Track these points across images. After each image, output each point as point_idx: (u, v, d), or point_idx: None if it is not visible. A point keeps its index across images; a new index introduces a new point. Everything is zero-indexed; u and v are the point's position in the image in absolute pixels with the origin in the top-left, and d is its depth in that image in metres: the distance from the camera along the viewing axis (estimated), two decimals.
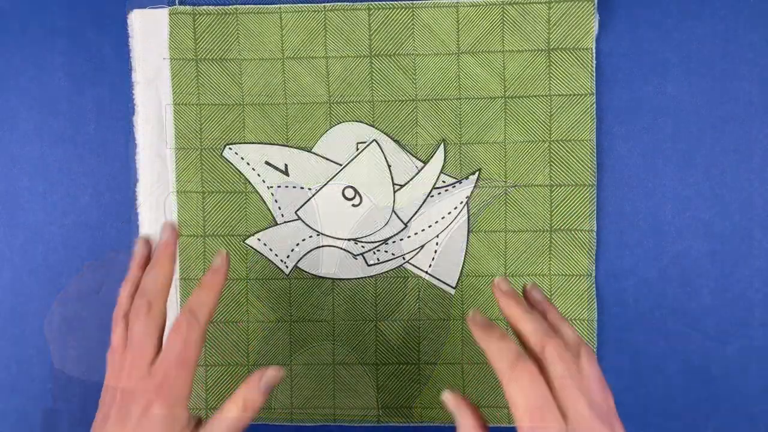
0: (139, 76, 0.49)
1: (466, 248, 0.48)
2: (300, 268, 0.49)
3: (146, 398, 0.36)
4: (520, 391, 0.33)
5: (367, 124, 0.48)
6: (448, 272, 0.49)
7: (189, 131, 0.49)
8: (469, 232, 0.48)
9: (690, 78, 0.48)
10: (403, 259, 0.48)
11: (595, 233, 0.48)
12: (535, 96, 0.48)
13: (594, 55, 0.47)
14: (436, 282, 0.49)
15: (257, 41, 0.49)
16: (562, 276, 0.48)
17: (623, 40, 0.48)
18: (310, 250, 0.48)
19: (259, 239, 0.49)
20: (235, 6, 0.49)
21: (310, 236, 0.48)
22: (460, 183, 0.48)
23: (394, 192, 0.48)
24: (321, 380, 0.49)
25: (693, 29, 0.48)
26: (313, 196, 0.46)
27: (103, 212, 0.50)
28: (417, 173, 0.48)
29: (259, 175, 0.48)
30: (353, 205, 0.45)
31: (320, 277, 0.49)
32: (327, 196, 0.45)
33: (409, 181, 0.48)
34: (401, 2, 0.48)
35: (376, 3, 0.48)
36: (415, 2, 0.48)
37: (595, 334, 0.48)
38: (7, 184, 0.50)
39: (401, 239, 0.48)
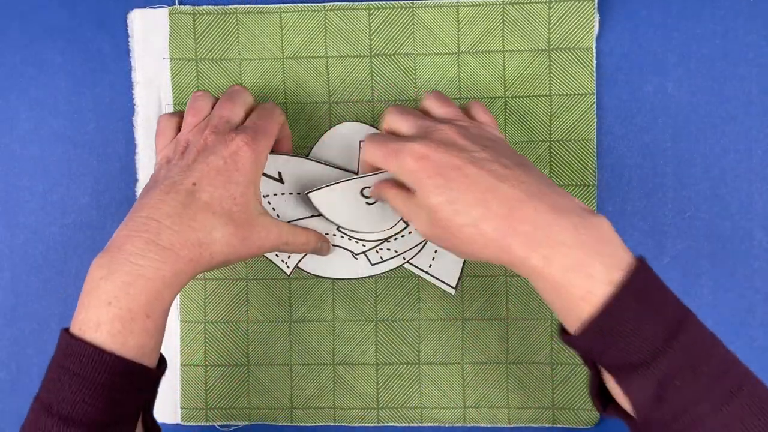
0: (139, 76, 0.49)
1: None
2: (300, 268, 0.49)
3: (235, 143, 0.39)
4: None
5: (367, 124, 0.48)
6: (448, 272, 0.49)
7: None
8: None
9: (690, 78, 0.48)
10: (404, 258, 0.48)
11: None
12: (535, 96, 0.48)
13: (594, 55, 0.47)
14: (436, 282, 0.49)
15: (257, 41, 0.49)
16: None
17: (623, 40, 0.48)
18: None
19: None
20: (235, 6, 0.49)
21: None
22: None
23: None
24: (321, 380, 0.49)
25: (693, 29, 0.48)
26: (324, 188, 0.45)
27: (103, 212, 0.50)
28: None
29: None
30: (367, 203, 0.45)
31: (320, 276, 0.49)
32: (343, 194, 0.45)
33: None
34: (401, 2, 0.48)
35: (376, 3, 0.48)
36: (415, 2, 0.48)
37: None
38: (7, 184, 0.50)
39: (403, 236, 0.48)
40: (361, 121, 0.48)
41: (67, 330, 0.36)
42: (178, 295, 0.49)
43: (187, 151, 0.40)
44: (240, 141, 0.39)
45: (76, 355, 0.34)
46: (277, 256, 0.49)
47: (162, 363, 0.39)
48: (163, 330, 0.37)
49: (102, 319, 0.34)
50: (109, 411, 0.34)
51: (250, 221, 0.39)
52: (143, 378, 0.36)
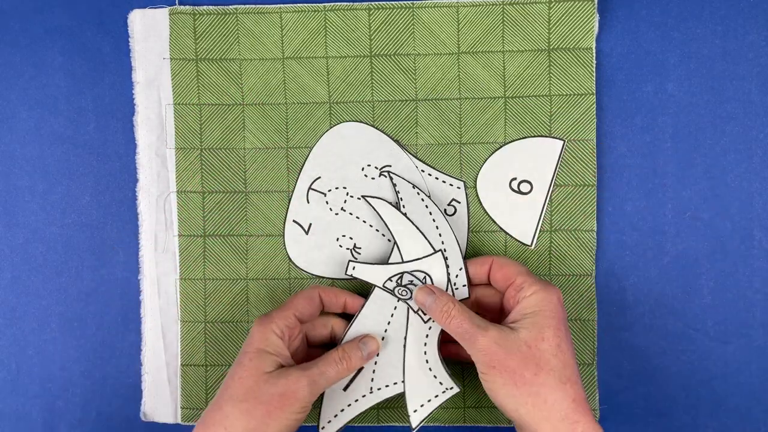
0: (139, 76, 0.49)
1: (466, 248, 0.48)
2: (300, 268, 0.49)
3: (251, 328, 0.43)
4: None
5: (367, 124, 0.48)
6: None
7: (189, 131, 0.49)
8: (469, 232, 0.48)
9: (690, 78, 0.48)
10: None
11: (595, 233, 0.48)
12: (535, 96, 0.48)
13: (594, 55, 0.47)
14: None
15: (257, 41, 0.49)
16: (562, 276, 0.48)
17: (623, 40, 0.48)
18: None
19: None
20: (235, 6, 0.49)
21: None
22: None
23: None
24: None
25: (693, 29, 0.48)
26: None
27: (103, 212, 0.50)
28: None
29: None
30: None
31: (319, 276, 0.49)
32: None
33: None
34: (401, 2, 0.48)
35: (376, 3, 0.48)
36: (415, 2, 0.48)
37: (595, 334, 0.48)
38: (7, 184, 0.50)
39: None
40: (361, 122, 0.48)
41: None
42: (178, 295, 0.49)
43: None
44: (255, 321, 0.43)
45: None
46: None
47: None
48: None
49: None
50: None
51: (261, 380, 0.40)
52: None
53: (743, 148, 0.48)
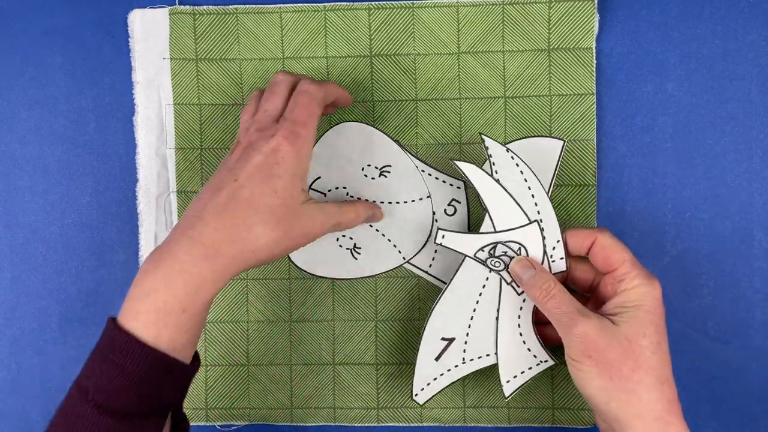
0: (139, 76, 0.49)
1: None
2: (300, 268, 0.49)
3: (275, 140, 0.38)
4: None
5: (368, 124, 0.48)
6: (448, 272, 0.49)
7: (189, 131, 0.49)
8: (469, 232, 0.48)
9: (690, 78, 0.48)
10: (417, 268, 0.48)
11: None
12: (535, 96, 0.48)
13: (594, 55, 0.47)
14: (436, 282, 0.49)
15: (257, 41, 0.49)
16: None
17: (623, 40, 0.48)
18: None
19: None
20: (235, 6, 0.49)
21: None
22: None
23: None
24: (321, 380, 0.49)
25: (693, 29, 0.48)
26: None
27: (103, 212, 0.50)
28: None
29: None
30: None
31: (320, 276, 0.49)
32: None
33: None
34: (401, 2, 0.48)
35: (376, 3, 0.48)
36: (415, 2, 0.48)
37: None
38: (7, 184, 0.50)
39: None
40: (361, 122, 0.48)
41: (112, 318, 0.37)
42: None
43: (235, 149, 0.40)
44: (280, 137, 0.39)
45: (114, 343, 0.35)
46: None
47: (196, 360, 0.39)
48: (200, 327, 0.38)
49: (140, 309, 0.35)
50: (141, 402, 0.35)
51: (294, 212, 0.39)
52: (175, 372, 0.36)
53: (743, 148, 0.48)
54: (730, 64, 0.48)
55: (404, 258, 0.48)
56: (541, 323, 0.44)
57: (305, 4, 0.48)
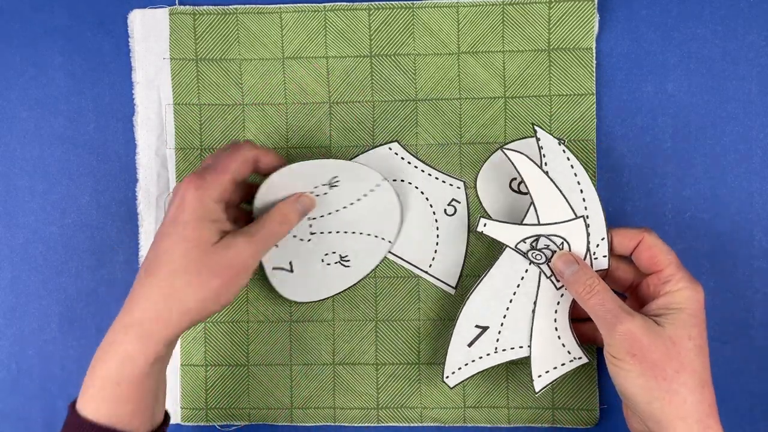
0: (139, 76, 0.49)
1: (466, 248, 0.48)
2: (296, 301, 0.49)
3: (182, 187, 0.39)
4: None
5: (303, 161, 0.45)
6: (448, 272, 0.49)
7: (189, 131, 0.49)
8: (469, 232, 0.48)
9: (690, 78, 0.48)
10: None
11: None
12: (535, 96, 0.48)
13: (594, 55, 0.47)
14: (436, 282, 0.49)
15: (257, 41, 0.49)
16: None
17: (623, 40, 0.48)
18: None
19: None
20: (235, 6, 0.49)
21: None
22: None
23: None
24: (321, 380, 0.49)
25: (693, 29, 0.48)
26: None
27: (103, 212, 0.50)
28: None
29: None
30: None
31: (321, 299, 0.49)
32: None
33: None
34: (401, 2, 0.48)
35: (376, 3, 0.48)
36: (415, 2, 0.48)
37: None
38: (7, 184, 0.50)
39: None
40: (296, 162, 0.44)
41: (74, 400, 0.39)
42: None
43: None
44: (185, 183, 0.39)
45: (66, 420, 0.38)
46: None
47: (165, 421, 0.41)
48: (148, 395, 0.38)
49: (87, 383, 0.38)
50: None
51: (211, 251, 0.38)
52: None
53: (743, 148, 0.48)
54: (730, 64, 0.48)
55: (389, 241, 0.48)
56: (576, 320, 0.44)
57: (305, 4, 0.48)
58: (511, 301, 0.44)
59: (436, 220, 0.48)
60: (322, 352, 0.49)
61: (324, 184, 0.45)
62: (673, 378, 0.38)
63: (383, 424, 0.49)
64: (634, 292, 0.44)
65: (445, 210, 0.48)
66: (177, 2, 0.49)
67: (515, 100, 0.48)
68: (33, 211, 0.50)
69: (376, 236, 0.48)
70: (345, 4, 0.48)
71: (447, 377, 0.45)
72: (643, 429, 0.40)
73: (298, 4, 0.48)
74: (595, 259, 0.43)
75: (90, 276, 0.50)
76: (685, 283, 0.40)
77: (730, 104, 0.48)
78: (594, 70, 0.47)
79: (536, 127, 0.43)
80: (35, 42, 0.50)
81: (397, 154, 0.48)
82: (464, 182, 0.48)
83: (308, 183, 0.45)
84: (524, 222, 0.43)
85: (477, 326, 0.45)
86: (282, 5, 0.48)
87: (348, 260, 0.48)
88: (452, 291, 0.49)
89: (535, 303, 0.44)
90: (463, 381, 0.45)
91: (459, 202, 0.48)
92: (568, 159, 0.43)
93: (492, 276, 0.44)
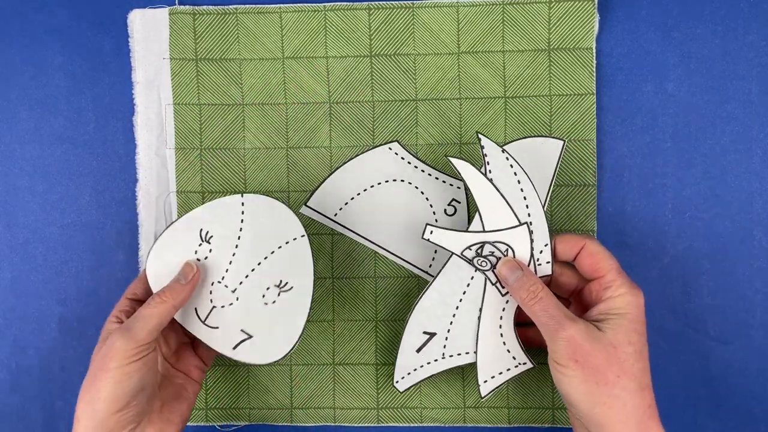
0: (139, 76, 0.49)
1: None
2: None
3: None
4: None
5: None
6: None
7: (189, 131, 0.49)
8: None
9: (690, 78, 0.48)
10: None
11: (595, 233, 0.48)
12: (535, 96, 0.48)
13: (594, 55, 0.47)
14: None
15: (257, 41, 0.49)
16: None
17: (623, 40, 0.48)
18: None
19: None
20: (235, 6, 0.49)
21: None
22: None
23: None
24: (321, 380, 0.49)
25: (693, 29, 0.48)
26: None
27: (103, 212, 0.50)
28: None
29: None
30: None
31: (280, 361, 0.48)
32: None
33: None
34: (401, 2, 0.48)
35: (376, 3, 0.48)
36: (415, 2, 0.48)
37: None
38: (7, 183, 0.50)
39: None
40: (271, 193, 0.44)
41: None
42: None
43: None
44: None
45: None
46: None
47: None
48: None
49: None
50: None
51: (92, 362, 0.40)
52: None
53: (743, 148, 0.48)
54: (730, 64, 0.48)
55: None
56: (520, 325, 0.45)
57: (305, 4, 0.48)
58: (457, 308, 0.45)
59: (436, 220, 0.48)
60: (322, 352, 0.49)
61: (200, 244, 0.43)
62: (614, 383, 0.38)
63: (383, 424, 0.49)
64: (577, 297, 0.44)
65: (445, 210, 0.48)
66: (177, 2, 0.49)
67: (515, 100, 0.48)
68: (33, 211, 0.50)
69: (287, 242, 0.44)
70: (345, 4, 0.48)
71: (397, 381, 0.45)
72: None
73: (298, 4, 0.48)
74: (539, 265, 0.43)
75: (90, 276, 0.50)
76: (625, 289, 0.40)
77: (730, 104, 0.48)
78: (594, 70, 0.47)
79: (480, 134, 0.43)
80: (35, 42, 0.50)
81: (397, 154, 0.48)
82: (464, 182, 0.48)
83: (187, 247, 0.43)
84: (469, 229, 0.44)
85: (425, 332, 0.45)
86: (282, 5, 0.48)
87: (285, 283, 0.43)
88: None
89: (480, 309, 0.44)
90: (413, 385, 0.45)
91: (459, 202, 0.48)
92: (512, 166, 0.43)
93: (439, 283, 0.45)
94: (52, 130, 0.50)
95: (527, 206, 0.43)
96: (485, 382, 0.44)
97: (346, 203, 0.49)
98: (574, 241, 0.42)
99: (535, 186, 0.43)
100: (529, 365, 0.44)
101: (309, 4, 0.48)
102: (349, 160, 0.49)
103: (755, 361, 0.48)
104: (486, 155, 0.43)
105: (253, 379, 0.50)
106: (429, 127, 0.48)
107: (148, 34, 0.49)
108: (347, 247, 0.49)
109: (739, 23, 0.48)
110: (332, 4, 0.48)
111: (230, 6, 0.49)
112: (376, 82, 0.49)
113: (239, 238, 0.43)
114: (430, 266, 0.49)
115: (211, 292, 0.43)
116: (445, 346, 0.45)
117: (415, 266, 0.49)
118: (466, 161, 0.43)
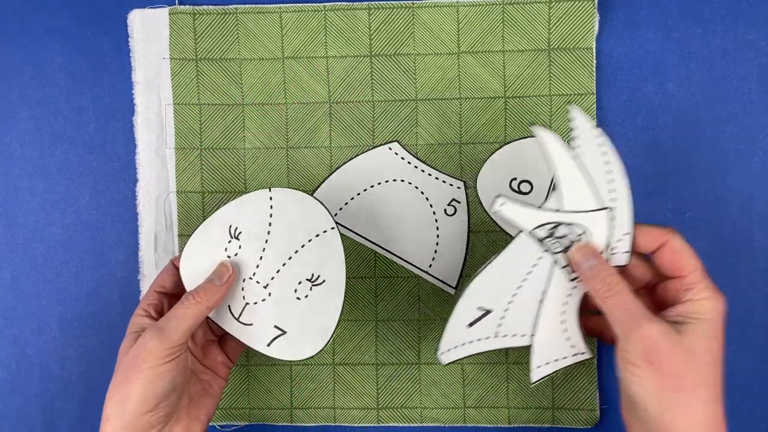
0: (139, 76, 0.49)
1: (466, 248, 0.48)
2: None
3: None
4: None
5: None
6: (448, 272, 0.49)
7: (189, 131, 0.49)
8: (469, 231, 0.48)
9: (690, 78, 0.48)
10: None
11: None
12: (535, 96, 0.48)
13: (594, 55, 0.47)
14: (436, 282, 0.49)
15: (257, 41, 0.49)
16: None
17: (623, 40, 0.48)
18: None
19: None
20: (235, 6, 0.49)
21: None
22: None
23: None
24: (321, 380, 0.49)
25: (693, 29, 0.48)
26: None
27: (103, 212, 0.50)
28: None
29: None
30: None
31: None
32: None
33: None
34: (401, 2, 0.48)
35: (376, 3, 0.48)
36: (415, 2, 0.48)
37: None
38: (7, 184, 0.50)
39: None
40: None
41: None
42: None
43: None
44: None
45: None
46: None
47: None
48: None
49: None
50: None
51: (122, 361, 0.40)
52: None
53: (743, 148, 0.48)
54: (730, 64, 0.48)
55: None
56: (582, 313, 0.42)
57: (305, 4, 0.48)
58: (519, 288, 0.42)
59: (436, 220, 0.48)
60: (322, 352, 0.49)
61: (229, 241, 0.43)
62: (690, 391, 0.36)
63: (383, 424, 0.49)
64: (649, 293, 0.42)
65: (445, 210, 0.48)
66: (177, 2, 0.49)
67: (515, 100, 0.48)
68: (33, 211, 0.50)
69: (317, 235, 0.43)
70: (345, 3, 0.48)
71: (441, 353, 0.43)
72: None
73: (298, 4, 0.48)
74: (613, 254, 0.40)
75: (90, 276, 0.50)
76: (709, 293, 0.38)
77: (730, 104, 0.48)
78: (594, 70, 0.47)
79: (573, 106, 0.39)
80: (35, 42, 0.50)
81: (397, 154, 0.48)
82: (464, 182, 0.48)
83: (218, 245, 0.43)
84: (544, 206, 0.40)
85: (479, 308, 0.42)
86: (282, 5, 0.48)
87: (317, 277, 0.43)
88: (452, 291, 0.49)
89: (544, 292, 0.42)
90: (457, 360, 0.43)
91: (459, 202, 0.48)
92: (601, 145, 0.40)
93: (502, 260, 0.42)
94: (52, 130, 0.50)
95: (612, 190, 0.40)
96: (538, 367, 0.42)
97: (346, 203, 0.49)
98: (657, 235, 0.40)
99: (626, 174, 0.40)
100: (588, 355, 0.42)
101: (309, 4, 0.48)
102: (349, 160, 0.49)
103: (755, 361, 0.48)
104: (574, 128, 0.39)
105: (253, 379, 0.50)
106: (429, 127, 0.48)
107: (148, 34, 0.49)
108: (347, 247, 0.49)
109: (739, 23, 0.48)
110: (332, 4, 0.48)
111: (230, 6, 0.49)
112: (376, 82, 0.49)
113: (268, 233, 0.42)
114: (430, 266, 0.49)
115: (243, 289, 0.43)
116: (499, 325, 0.42)
117: (415, 266, 0.49)
118: (554, 134, 0.39)
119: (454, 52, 0.48)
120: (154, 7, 0.49)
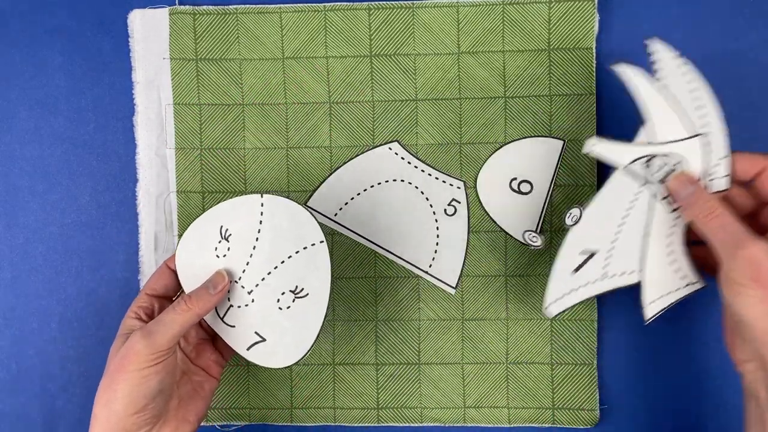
0: (139, 76, 0.49)
1: (466, 248, 0.48)
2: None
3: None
4: None
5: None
6: (448, 272, 0.49)
7: (189, 131, 0.49)
8: (469, 232, 0.48)
9: None
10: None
11: None
12: (535, 96, 0.48)
13: (594, 55, 0.47)
14: (436, 282, 0.49)
15: (257, 41, 0.49)
16: None
17: (623, 40, 0.48)
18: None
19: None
20: (235, 6, 0.49)
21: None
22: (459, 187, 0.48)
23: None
24: (321, 380, 0.49)
25: (693, 29, 0.48)
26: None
27: (103, 212, 0.50)
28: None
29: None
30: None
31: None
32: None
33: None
34: (401, 2, 0.48)
35: (376, 3, 0.48)
36: (415, 2, 0.48)
37: (595, 334, 0.48)
38: (7, 184, 0.50)
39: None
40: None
41: None
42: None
43: None
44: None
45: None
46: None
47: None
48: None
49: None
50: None
51: (109, 363, 0.40)
52: None
53: (743, 148, 0.48)
54: (730, 64, 0.48)
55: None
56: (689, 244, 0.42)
57: (305, 4, 0.48)
58: (621, 225, 0.41)
59: (436, 220, 0.48)
60: (322, 352, 0.49)
61: (219, 241, 0.43)
62: None
63: (383, 424, 0.49)
64: (754, 221, 0.41)
65: (445, 210, 0.48)
66: (177, 2, 0.49)
67: (515, 100, 0.48)
68: (33, 211, 0.50)
69: (305, 247, 0.43)
70: (345, 4, 0.48)
71: (547, 306, 0.42)
72: (749, 359, 0.38)
73: (298, 4, 0.48)
74: (712, 180, 0.40)
75: (90, 276, 0.50)
76: None
77: (730, 104, 0.48)
78: (594, 70, 0.47)
79: (649, 41, 0.39)
80: (35, 42, 0.50)
81: (397, 154, 0.49)
82: (464, 182, 0.48)
83: (209, 243, 0.43)
84: (637, 141, 0.41)
85: (583, 252, 0.42)
86: (282, 5, 0.48)
87: (301, 290, 0.42)
88: (452, 291, 0.49)
89: (647, 227, 0.41)
90: (565, 310, 0.42)
91: (459, 202, 0.48)
92: (686, 74, 0.40)
93: (600, 200, 0.41)
94: (52, 130, 0.50)
95: (703, 115, 0.40)
96: (652, 302, 0.42)
97: (346, 203, 0.49)
98: (756, 160, 0.39)
99: (715, 98, 0.40)
100: (700, 284, 0.41)
101: (309, 4, 0.48)
102: (349, 160, 0.49)
103: None
104: (656, 61, 0.40)
105: (253, 379, 0.50)
106: (429, 127, 0.48)
107: (148, 34, 0.49)
108: (347, 247, 0.49)
109: (739, 23, 0.48)
110: (332, 4, 0.48)
111: (230, 6, 0.49)
112: (376, 82, 0.49)
113: (257, 239, 0.43)
114: (430, 266, 0.49)
115: (228, 291, 0.43)
116: (606, 266, 0.42)
117: (415, 266, 0.49)
118: (638, 68, 0.40)
119: (454, 52, 0.48)
120: (154, 7, 0.49)
